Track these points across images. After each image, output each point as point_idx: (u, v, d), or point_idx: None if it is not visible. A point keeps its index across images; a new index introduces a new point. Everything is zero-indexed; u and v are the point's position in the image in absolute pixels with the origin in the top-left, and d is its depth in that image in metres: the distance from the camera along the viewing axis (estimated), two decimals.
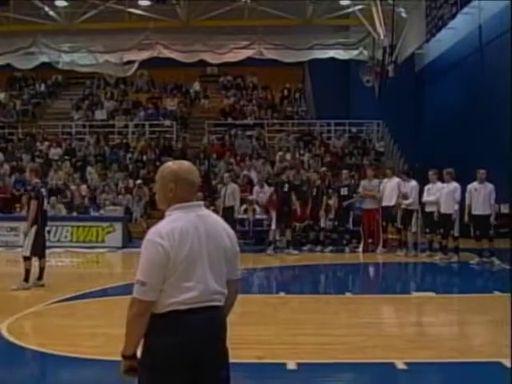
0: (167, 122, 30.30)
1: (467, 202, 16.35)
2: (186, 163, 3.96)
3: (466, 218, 16.38)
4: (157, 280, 3.59)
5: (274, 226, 19.44)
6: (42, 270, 12.64)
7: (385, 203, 18.80)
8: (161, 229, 3.66)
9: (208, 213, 3.89)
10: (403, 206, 18.33)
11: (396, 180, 18.93)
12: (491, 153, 20.12)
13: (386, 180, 19.21)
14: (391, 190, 18.68)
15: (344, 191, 19.86)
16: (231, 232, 3.93)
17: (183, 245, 3.63)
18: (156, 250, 3.60)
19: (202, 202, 3.91)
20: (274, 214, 19.38)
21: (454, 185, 16.86)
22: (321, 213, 19.82)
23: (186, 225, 3.69)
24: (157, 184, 3.92)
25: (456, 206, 16.78)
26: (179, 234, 3.64)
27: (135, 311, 3.61)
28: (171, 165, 3.91)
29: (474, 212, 16.19)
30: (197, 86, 33.29)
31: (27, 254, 12.25)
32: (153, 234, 3.66)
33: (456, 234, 17.04)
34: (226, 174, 21.82)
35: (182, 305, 3.61)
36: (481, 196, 16.11)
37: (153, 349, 3.63)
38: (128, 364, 3.72)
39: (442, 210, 16.98)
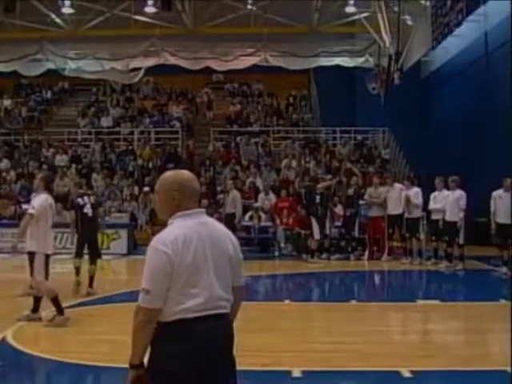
0: (176, 123, 30.39)
1: (492, 209, 16.27)
2: (186, 172, 3.98)
3: (493, 225, 16.30)
4: (161, 288, 3.60)
5: (318, 236, 18.99)
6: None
7: (390, 211, 18.77)
8: (164, 236, 3.67)
9: (210, 220, 3.91)
10: (407, 216, 18.33)
11: (398, 187, 18.93)
12: (497, 160, 20.08)
13: (388, 188, 19.16)
14: (395, 198, 18.67)
15: (351, 191, 20.01)
16: (234, 239, 3.94)
17: (187, 251, 3.63)
18: (160, 258, 3.60)
19: (203, 210, 3.91)
20: (314, 223, 19.05)
21: (459, 192, 16.84)
22: (327, 220, 19.81)
23: (190, 232, 3.70)
24: (158, 194, 3.92)
25: (461, 214, 16.74)
26: (183, 241, 3.64)
27: (141, 319, 3.62)
28: (173, 174, 3.93)
29: (497, 220, 16.14)
30: (205, 96, 33.14)
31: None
32: (156, 241, 3.66)
33: (461, 241, 17.00)
34: (229, 181, 21.88)
35: (189, 312, 3.60)
36: (504, 204, 16.00)
37: (159, 357, 3.63)
38: (135, 373, 3.70)
39: (447, 218, 16.96)
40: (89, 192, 14.72)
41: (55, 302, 9.81)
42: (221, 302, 3.73)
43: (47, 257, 10.04)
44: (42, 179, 10.42)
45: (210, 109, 32.40)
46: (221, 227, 3.93)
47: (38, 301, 10.12)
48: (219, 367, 3.67)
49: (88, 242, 13.53)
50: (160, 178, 3.96)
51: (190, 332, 3.60)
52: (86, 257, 13.56)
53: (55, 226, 13.55)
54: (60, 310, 9.82)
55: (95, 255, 13.67)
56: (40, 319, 10.04)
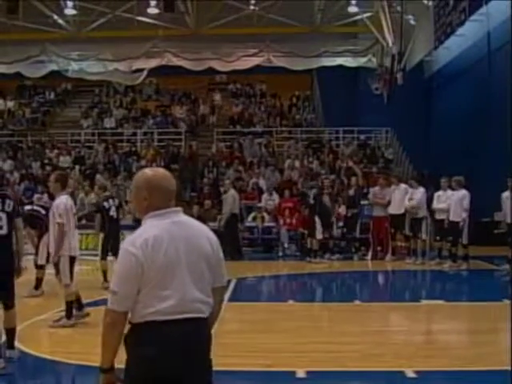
0: (180, 123, 30.41)
1: (502, 210, 16.39)
2: (160, 170, 3.92)
3: (502, 225, 16.46)
4: (129, 290, 3.55)
5: (320, 236, 18.91)
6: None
7: (393, 211, 18.74)
8: (135, 238, 3.61)
9: (186, 219, 3.81)
10: (411, 216, 18.28)
11: (403, 187, 18.89)
12: (501, 159, 20.04)
13: (393, 187, 19.13)
14: (399, 198, 18.64)
15: (351, 192, 20.05)
16: (213, 238, 3.83)
17: (157, 253, 3.56)
18: (129, 260, 3.55)
19: (179, 208, 3.82)
20: (318, 223, 18.88)
21: (463, 192, 16.80)
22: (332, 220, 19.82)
23: (161, 232, 3.62)
24: (131, 193, 3.88)
25: (464, 214, 16.71)
26: (152, 242, 3.57)
27: (108, 322, 3.58)
28: (145, 172, 3.86)
29: (507, 220, 16.16)
30: (217, 97, 33.02)
31: (42, 262, 12.63)
32: (127, 243, 3.62)
33: (465, 241, 16.96)
34: (227, 181, 21.96)
35: (160, 315, 3.54)
36: (510, 204, 16.04)
37: (131, 360, 3.57)
38: (107, 377, 3.66)
39: (451, 218, 16.93)
40: (113, 195, 16.04)
41: (69, 305, 9.78)
42: (197, 304, 3.64)
43: (72, 259, 9.89)
44: (57, 180, 9.86)
45: (213, 113, 32.26)
46: (198, 226, 3.83)
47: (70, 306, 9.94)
48: (193, 372, 3.60)
49: (112, 242, 14.45)
50: (135, 176, 3.92)
51: (160, 335, 3.53)
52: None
53: None
54: (69, 315, 9.79)
55: (117, 253, 14.16)
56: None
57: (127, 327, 3.65)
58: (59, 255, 9.71)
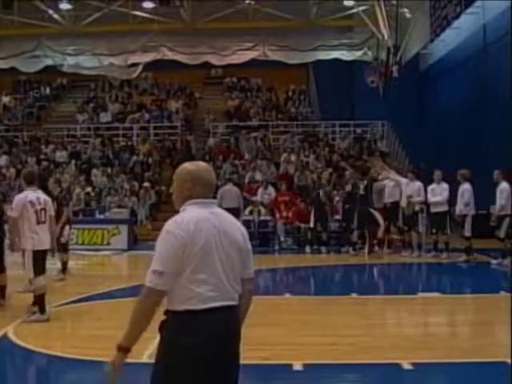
0: (179, 117, 30.37)
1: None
2: (203, 164, 4.04)
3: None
4: (173, 269, 3.62)
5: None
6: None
7: (388, 200, 18.70)
8: (178, 220, 3.72)
9: (221, 211, 3.94)
10: (416, 208, 18.17)
11: (404, 181, 18.79)
12: (497, 152, 20.08)
13: (391, 177, 19.07)
14: (393, 187, 18.60)
15: (348, 187, 19.88)
16: (243, 229, 3.99)
17: (198, 236, 3.66)
18: (174, 239, 3.63)
19: (215, 201, 3.97)
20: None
21: (465, 186, 16.80)
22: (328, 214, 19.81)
23: (201, 218, 3.73)
24: (174, 183, 3.98)
25: (461, 207, 16.72)
26: (194, 225, 3.67)
27: (152, 302, 3.62)
28: (188, 165, 3.97)
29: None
30: (211, 115, 32.81)
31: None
32: (170, 225, 3.71)
33: (467, 234, 16.90)
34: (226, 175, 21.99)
35: (199, 302, 3.61)
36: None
37: (170, 349, 3.64)
38: (122, 357, 3.69)
39: (456, 212, 17.00)
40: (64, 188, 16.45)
41: (39, 299, 9.70)
42: (232, 292, 3.76)
43: (40, 253, 9.81)
44: (22, 177, 10.57)
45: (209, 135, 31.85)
46: (231, 218, 3.97)
47: (40, 300, 9.84)
48: (225, 361, 3.69)
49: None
50: (178, 168, 4.03)
51: (202, 325, 3.61)
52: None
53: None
54: (42, 309, 9.70)
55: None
56: (48, 320, 9.87)
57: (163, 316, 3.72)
58: (22, 248, 9.85)
